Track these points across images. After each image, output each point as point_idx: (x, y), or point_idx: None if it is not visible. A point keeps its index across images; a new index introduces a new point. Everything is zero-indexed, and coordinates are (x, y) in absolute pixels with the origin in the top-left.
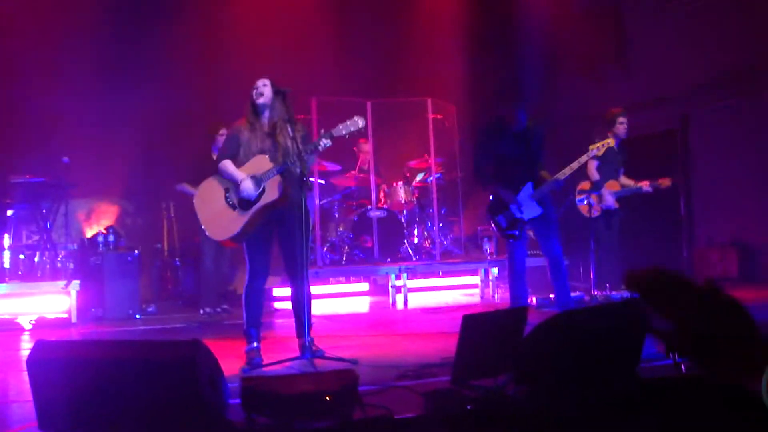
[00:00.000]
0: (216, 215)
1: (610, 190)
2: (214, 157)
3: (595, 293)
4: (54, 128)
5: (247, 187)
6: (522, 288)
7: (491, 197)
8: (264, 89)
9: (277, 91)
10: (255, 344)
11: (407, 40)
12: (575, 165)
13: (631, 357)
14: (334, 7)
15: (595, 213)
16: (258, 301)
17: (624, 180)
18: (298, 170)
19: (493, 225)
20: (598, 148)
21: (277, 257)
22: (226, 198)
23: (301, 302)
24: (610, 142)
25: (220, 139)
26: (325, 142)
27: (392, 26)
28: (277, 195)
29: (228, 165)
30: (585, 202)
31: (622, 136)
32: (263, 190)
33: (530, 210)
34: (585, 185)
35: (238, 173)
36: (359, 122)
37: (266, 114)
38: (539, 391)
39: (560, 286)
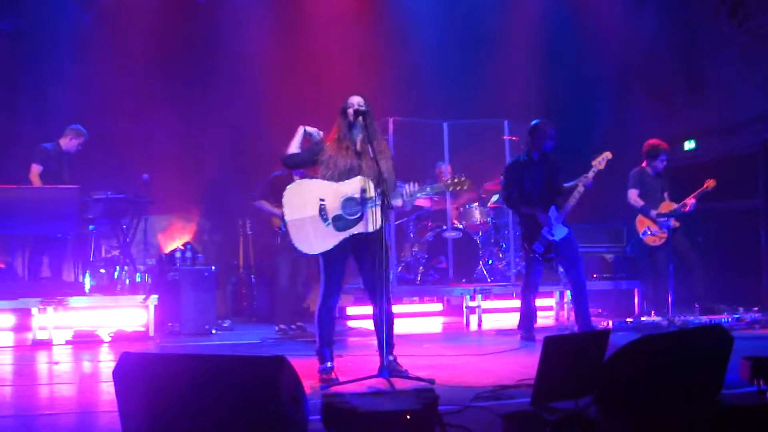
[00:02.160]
0: (305, 224)
1: (665, 211)
2: (294, 178)
3: (674, 318)
4: (135, 147)
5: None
6: (533, 306)
7: (522, 228)
8: (361, 107)
9: (369, 111)
10: (329, 364)
11: (484, 62)
12: (581, 188)
13: (714, 383)
14: (411, 28)
15: (660, 241)
16: (330, 320)
17: (669, 204)
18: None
19: (530, 253)
20: (599, 162)
21: (349, 274)
22: (320, 209)
23: (385, 321)
24: (608, 155)
25: None
26: (431, 192)
27: (469, 48)
28: (373, 227)
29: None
30: (648, 233)
31: (659, 169)
32: (360, 217)
33: (559, 231)
34: (640, 217)
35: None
36: (466, 184)
37: (356, 133)
38: (620, 415)
39: (583, 309)
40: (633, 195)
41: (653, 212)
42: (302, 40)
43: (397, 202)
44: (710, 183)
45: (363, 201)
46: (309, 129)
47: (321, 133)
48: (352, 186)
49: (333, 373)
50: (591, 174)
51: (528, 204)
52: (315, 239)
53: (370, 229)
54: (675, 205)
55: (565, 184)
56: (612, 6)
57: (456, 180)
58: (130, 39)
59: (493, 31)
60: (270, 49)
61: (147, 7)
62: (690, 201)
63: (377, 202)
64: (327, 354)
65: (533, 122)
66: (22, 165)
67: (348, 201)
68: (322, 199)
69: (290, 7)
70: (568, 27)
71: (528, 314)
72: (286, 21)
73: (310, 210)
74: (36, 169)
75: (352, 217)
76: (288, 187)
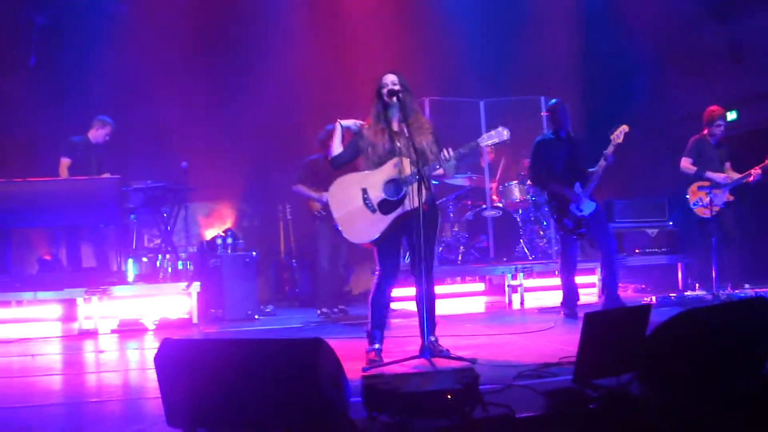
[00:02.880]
0: (354, 217)
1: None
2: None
3: (718, 292)
4: (173, 135)
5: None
6: (573, 283)
7: (551, 205)
8: (395, 87)
9: (405, 88)
10: (377, 345)
11: (519, 39)
12: (603, 163)
13: (759, 356)
14: (445, 6)
15: (713, 212)
16: (385, 302)
17: (732, 173)
18: (432, 171)
19: (560, 230)
20: (617, 135)
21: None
22: (364, 199)
23: (426, 302)
24: (624, 128)
25: None
26: (466, 152)
27: (504, 24)
28: (420, 203)
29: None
30: (700, 204)
31: (718, 136)
32: (404, 195)
33: (587, 206)
34: (694, 188)
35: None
36: (504, 133)
37: (393, 113)
38: (664, 391)
39: (612, 280)
40: (685, 162)
41: (708, 173)
42: (338, 22)
43: (439, 172)
44: None
45: (402, 180)
46: (345, 123)
47: (358, 123)
48: (390, 168)
49: (379, 355)
50: (610, 149)
51: (556, 181)
52: (366, 228)
53: (415, 204)
54: (735, 176)
55: (589, 169)
56: None
57: (491, 132)
58: (166, 28)
59: (528, 8)
60: (306, 32)
61: None
62: (755, 171)
63: (416, 178)
64: (377, 335)
65: (553, 101)
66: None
67: (389, 183)
68: (364, 189)
69: None
70: (604, 3)
71: (569, 292)
72: (321, 6)
73: (355, 202)
74: (65, 162)
75: (396, 198)
76: (330, 188)
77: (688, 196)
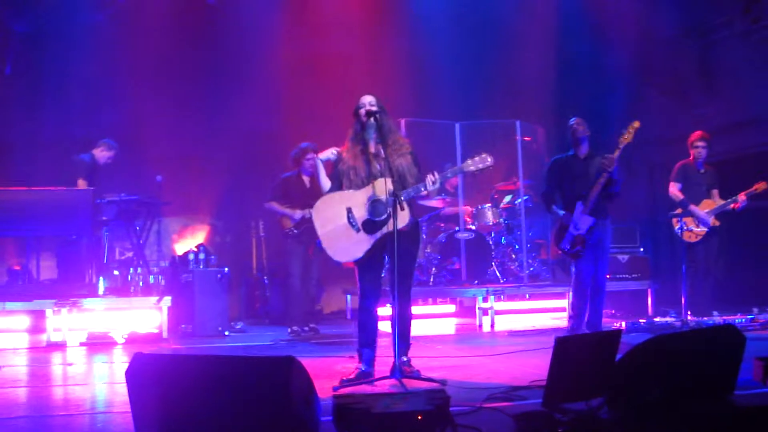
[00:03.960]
0: (337, 234)
1: (706, 209)
2: (304, 178)
3: (688, 318)
4: (148, 148)
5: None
6: (584, 306)
7: (554, 226)
8: (372, 107)
9: (381, 109)
10: (363, 367)
11: (496, 62)
12: (605, 175)
13: (726, 384)
14: (422, 29)
15: (697, 238)
16: (369, 321)
17: (717, 200)
18: (411, 195)
19: (561, 252)
20: (626, 136)
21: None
22: (348, 218)
23: (400, 322)
24: (636, 124)
25: (307, 163)
26: (451, 176)
27: (481, 48)
28: (405, 223)
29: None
30: (685, 228)
31: (700, 158)
32: (388, 216)
33: (583, 222)
34: (679, 210)
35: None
36: (488, 160)
37: (370, 134)
38: (632, 416)
39: (596, 308)
40: (673, 188)
41: (692, 207)
42: (314, 41)
43: (423, 193)
44: (761, 185)
45: (385, 201)
46: (323, 155)
47: (335, 151)
48: (374, 188)
49: (361, 376)
50: (616, 153)
51: (561, 202)
52: (349, 247)
53: (398, 225)
54: (720, 202)
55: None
56: (625, 5)
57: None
58: (143, 40)
59: (505, 31)
60: (282, 50)
61: (160, 9)
62: (741, 198)
63: (403, 197)
64: (364, 354)
65: (571, 120)
66: (43, 167)
67: (374, 203)
68: (349, 208)
69: (301, 9)
70: (580, 26)
71: (577, 316)
72: (297, 23)
73: (340, 220)
74: (82, 183)
75: (380, 218)
76: (316, 204)
77: (672, 222)
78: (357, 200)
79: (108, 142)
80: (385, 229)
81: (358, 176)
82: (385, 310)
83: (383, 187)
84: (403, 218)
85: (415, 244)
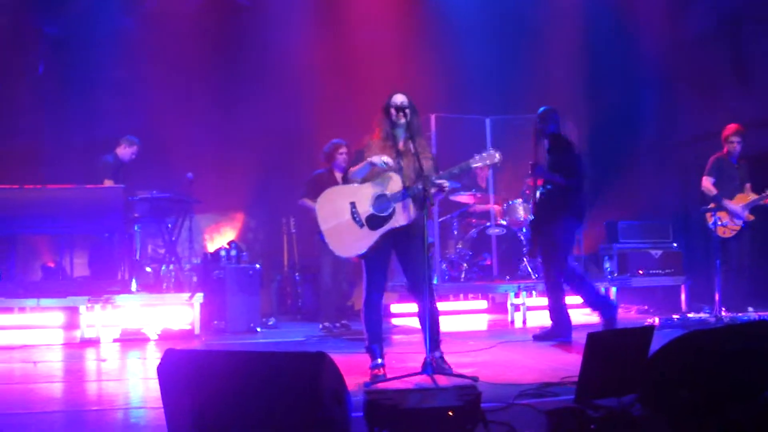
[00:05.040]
0: (341, 230)
1: (740, 203)
2: (336, 175)
3: (722, 314)
4: (179, 146)
5: (378, 159)
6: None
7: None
8: (403, 105)
9: (412, 108)
10: (379, 360)
11: (526, 56)
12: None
13: (762, 381)
14: (452, 24)
15: (731, 233)
16: (377, 316)
17: (751, 194)
18: (421, 189)
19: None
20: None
21: (393, 273)
22: (352, 213)
23: (427, 318)
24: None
25: (340, 158)
26: (458, 172)
27: (511, 43)
28: (407, 220)
29: (355, 168)
30: (719, 223)
31: (736, 154)
32: (393, 211)
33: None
34: (713, 205)
35: (363, 164)
36: (495, 156)
37: (399, 131)
38: (665, 413)
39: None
40: (706, 182)
41: (725, 201)
42: (344, 39)
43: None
44: None
45: (390, 197)
46: (374, 160)
47: (384, 159)
48: (379, 183)
49: (382, 370)
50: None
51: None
52: (352, 242)
53: (403, 222)
54: (753, 197)
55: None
56: (656, 1)
57: (483, 154)
58: (174, 41)
59: (536, 26)
60: (312, 48)
61: (189, 10)
62: None
63: (409, 194)
64: (376, 350)
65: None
66: (73, 168)
67: (378, 198)
68: (352, 203)
69: (331, 7)
70: (611, 20)
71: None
72: (327, 21)
73: (343, 215)
74: (109, 183)
75: (384, 214)
76: (318, 198)
77: (706, 217)
78: (361, 195)
79: (129, 138)
80: (388, 225)
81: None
82: (409, 307)
83: (393, 182)
84: (407, 214)
85: (423, 240)
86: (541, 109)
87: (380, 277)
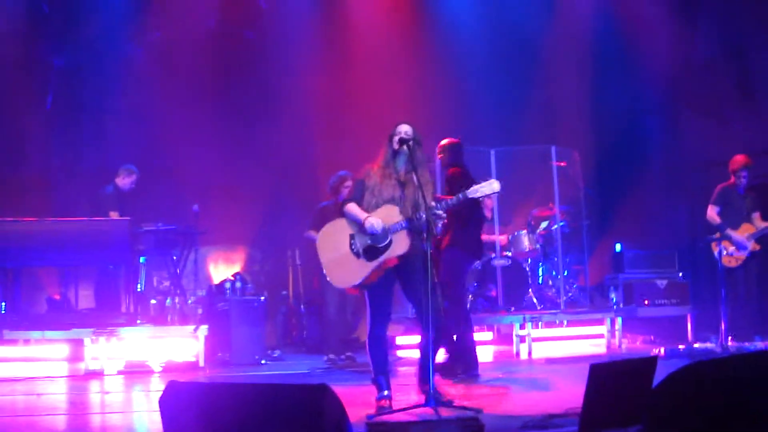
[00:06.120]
0: (339, 261)
1: (745, 233)
2: None
3: (728, 344)
4: (184, 178)
5: (373, 224)
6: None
7: None
8: (407, 136)
9: (416, 140)
10: (386, 392)
11: (531, 88)
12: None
13: None
14: (457, 56)
15: (737, 263)
16: (382, 348)
17: (759, 222)
18: (424, 220)
19: None
20: None
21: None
22: (351, 245)
23: (428, 350)
24: None
25: (345, 191)
26: (456, 203)
27: (515, 74)
28: (404, 250)
29: (353, 207)
30: (725, 253)
31: (741, 186)
32: (390, 242)
33: None
34: (718, 235)
35: (362, 213)
36: (494, 185)
37: (402, 161)
38: None
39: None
40: (711, 212)
41: (729, 231)
42: (350, 70)
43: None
44: None
45: (388, 228)
46: (367, 225)
47: (380, 228)
48: (380, 214)
49: (388, 402)
50: None
51: None
52: (348, 273)
53: (399, 252)
54: (762, 225)
55: None
56: (660, 28)
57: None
58: (180, 72)
59: (540, 57)
60: (318, 79)
61: (196, 41)
62: None
63: (405, 225)
64: (382, 382)
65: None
66: (82, 198)
67: (374, 219)
68: (351, 234)
69: (337, 38)
70: (615, 50)
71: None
72: (333, 52)
73: (342, 248)
74: (114, 215)
75: (381, 245)
76: (320, 231)
77: (711, 246)
78: (360, 227)
79: (128, 168)
80: (385, 255)
81: (380, 196)
82: (412, 340)
83: (390, 212)
84: (404, 244)
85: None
86: (443, 141)
87: (384, 309)
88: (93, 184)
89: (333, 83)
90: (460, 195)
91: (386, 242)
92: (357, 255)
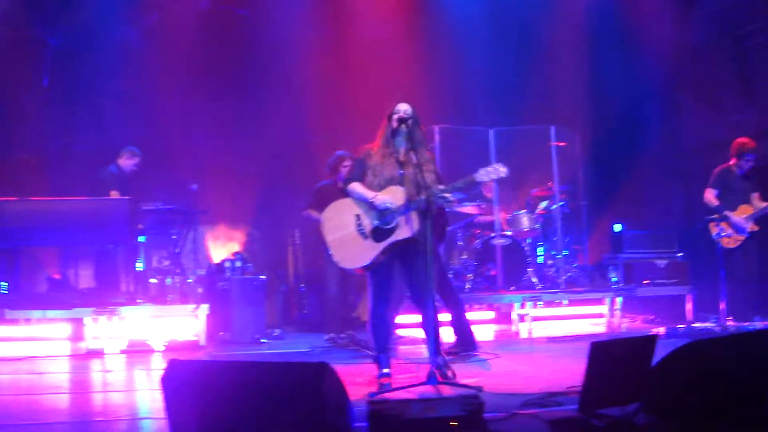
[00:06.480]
0: (345, 242)
1: (743, 215)
2: (340, 186)
3: (728, 324)
4: (184, 157)
5: (385, 200)
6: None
7: None
8: (405, 115)
9: (415, 119)
10: (386, 370)
11: (530, 68)
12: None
13: (766, 389)
14: (456, 36)
15: (736, 244)
16: (384, 327)
17: (757, 202)
18: (425, 202)
19: None
20: None
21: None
22: (357, 225)
23: (429, 328)
24: None
25: (344, 170)
26: (462, 186)
27: (515, 54)
28: (411, 233)
29: (357, 186)
30: (723, 234)
31: (745, 170)
32: (396, 225)
33: None
34: (716, 216)
35: (369, 192)
36: (501, 170)
37: (401, 141)
38: (669, 422)
39: None
40: (709, 194)
41: (728, 213)
42: (348, 50)
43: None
44: None
45: (395, 209)
46: (377, 202)
47: (393, 204)
48: (386, 196)
49: (389, 379)
50: None
51: None
52: (356, 254)
53: (406, 234)
54: (760, 205)
55: None
56: (659, 11)
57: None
58: (176, 53)
59: (539, 37)
60: (316, 58)
61: (192, 23)
62: None
63: (412, 207)
64: (383, 360)
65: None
66: (79, 179)
67: (384, 211)
68: (357, 215)
69: (334, 19)
70: (615, 32)
71: None
72: (330, 32)
73: (348, 227)
74: (115, 194)
75: (389, 227)
76: (324, 211)
77: (710, 228)
78: (366, 207)
79: (131, 149)
80: (392, 237)
81: (383, 176)
82: (413, 318)
83: (396, 194)
84: (410, 226)
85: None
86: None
87: (386, 288)
88: (89, 166)
89: (329, 61)
90: (467, 178)
91: (393, 224)
92: (364, 236)
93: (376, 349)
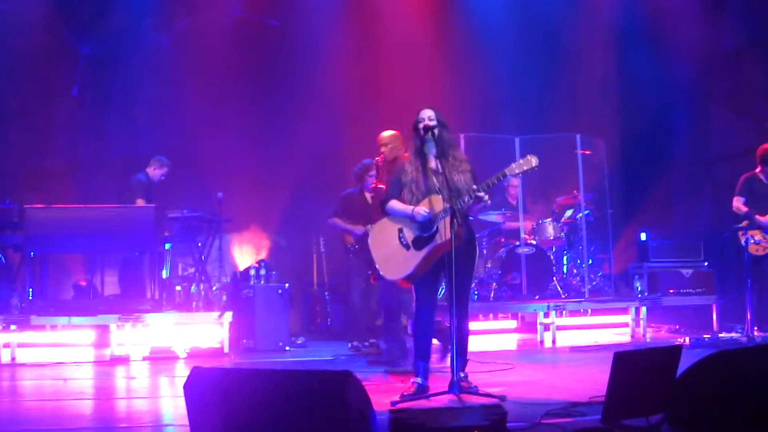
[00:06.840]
0: (390, 255)
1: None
2: (366, 195)
3: (754, 334)
4: (210, 165)
5: (421, 210)
6: None
7: None
8: (431, 122)
9: (441, 123)
10: (419, 380)
11: (556, 76)
12: None
13: None
14: (483, 44)
15: (764, 251)
16: (424, 333)
17: None
18: (465, 206)
19: None
20: None
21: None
22: (399, 238)
23: (457, 337)
24: None
25: (370, 180)
26: (496, 181)
27: (542, 62)
28: (451, 236)
29: (395, 203)
30: (751, 241)
31: None
32: (436, 230)
33: None
34: (745, 223)
35: (408, 206)
36: (532, 161)
37: (430, 147)
38: (695, 431)
39: None
40: (737, 202)
41: (758, 216)
42: (376, 58)
43: (469, 202)
44: None
45: (434, 217)
46: (415, 214)
47: (425, 210)
48: (424, 207)
49: (415, 387)
50: None
51: None
52: (399, 264)
53: (446, 239)
54: None
55: None
56: (688, 18)
57: (520, 161)
58: (206, 61)
59: (565, 45)
60: (344, 67)
61: (222, 31)
62: None
63: (449, 212)
64: (420, 367)
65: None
66: (109, 185)
67: (424, 223)
68: (399, 229)
69: (364, 26)
70: (642, 38)
71: None
72: (360, 40)
73: (392, 241)
74: (141, 203)
75: (428, 234)
76: (371, 231)
77: (739, 236)
78: (407, 221)
79: (160, 159)
80: (433, 244)
81: (419, 190)
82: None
83: (433, 203)
84: (449, 231)
85: (470, 259)
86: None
87: (429, 294)
88: (120, 173)
89: (357, 70)
90: (499, 173)
91: (432, 231)
92: (407, 247)
93: (416, 356)
